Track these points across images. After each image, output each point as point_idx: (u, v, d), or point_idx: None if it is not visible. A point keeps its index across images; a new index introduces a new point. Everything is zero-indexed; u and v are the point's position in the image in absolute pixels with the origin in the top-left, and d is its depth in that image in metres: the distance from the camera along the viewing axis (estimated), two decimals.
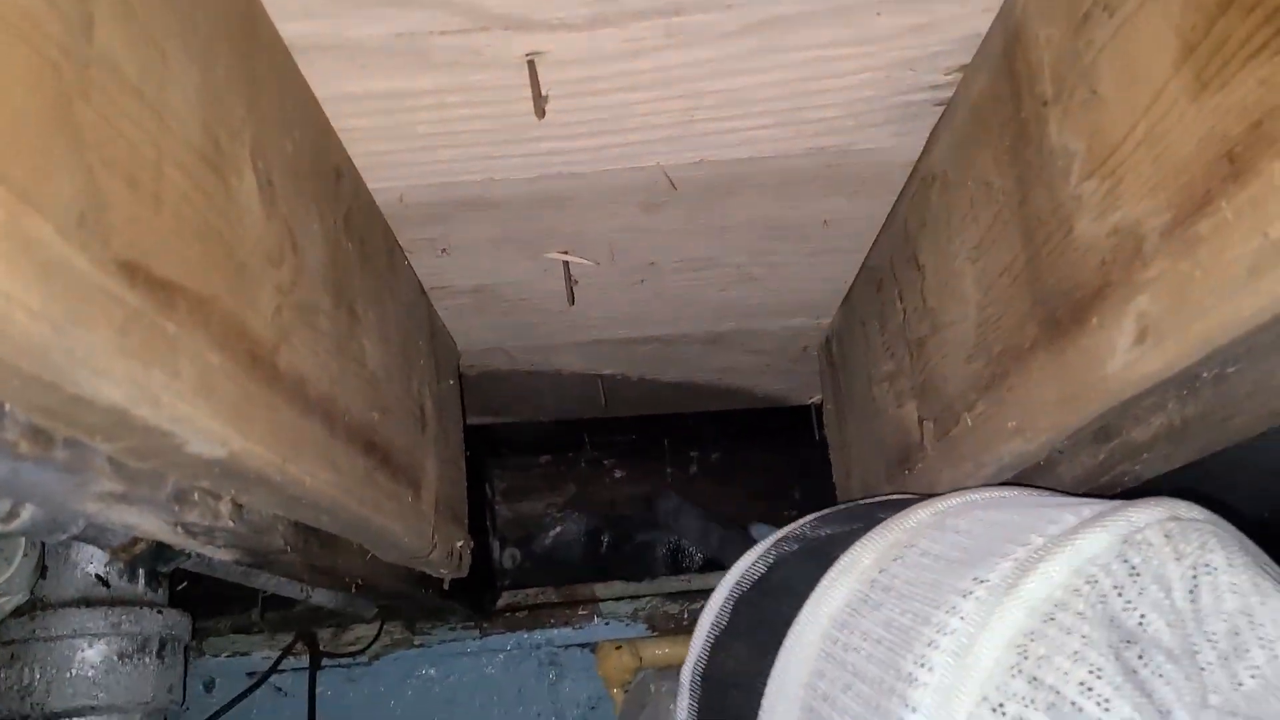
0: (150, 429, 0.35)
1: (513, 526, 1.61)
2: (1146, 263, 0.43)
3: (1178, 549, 0.38)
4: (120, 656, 0.96)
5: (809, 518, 0.60)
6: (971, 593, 0.39)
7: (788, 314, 1.01)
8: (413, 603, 1.03)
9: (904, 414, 0.80)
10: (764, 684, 0.47)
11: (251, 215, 0.44)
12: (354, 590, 0.75)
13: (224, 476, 0.43)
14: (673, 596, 1.34)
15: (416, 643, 1.35)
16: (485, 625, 1.34)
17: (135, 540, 0.60)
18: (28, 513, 0.47)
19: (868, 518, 0.53)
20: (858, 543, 0.49)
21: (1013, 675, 0.36)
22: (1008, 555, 0.40)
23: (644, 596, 1.34)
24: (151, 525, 0.50)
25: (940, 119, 0.66)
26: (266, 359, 0.44)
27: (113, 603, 0.97)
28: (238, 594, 1.31)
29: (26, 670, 0.93)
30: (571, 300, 0.85)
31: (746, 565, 0.57)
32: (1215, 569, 0.37)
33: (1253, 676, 0.34)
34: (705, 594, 1.32)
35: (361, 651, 1.33)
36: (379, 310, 0.67)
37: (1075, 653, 0.35)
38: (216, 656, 1.34)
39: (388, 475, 0.65)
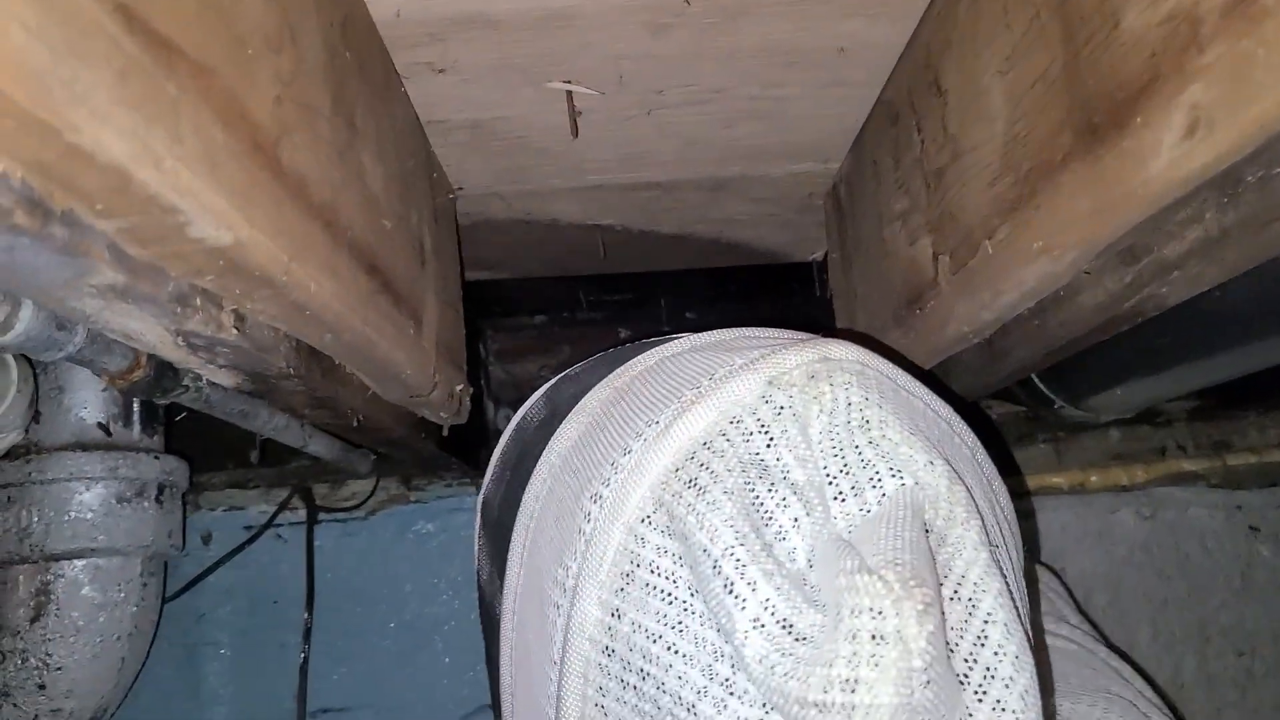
0: (153, 199, 0.32)
1: (507, 388, 1.60)
2: (1203, 47, 0.41)
3: (819, 389, 0.40)
4: (119, 500, 0.96)
5: (594, 358, 0.63)
6: (641, 434, 0.42)
7: (796, 156, 0.98)
8: (411, 452, 1.03)
9: (917, 251, 0.78)
10: (514, 514, 0.50)
11: None
12: (355, 424, 0.74)
13: (228, 272, 0.41)
14: None
15: (412, 498, 1.35)
16: (481, 481, 1.34)
17: (133, 365, 0.59)
18: (26, 313, 0.45)
19: (622, 358, 0.55)
20: (595, 386, 0.52)
21: (656, 509, 0.39)
22: (677, 397, 0.43)
23: None
24: (152, 334, 0.48)
25: None
26: (269, 149, 0.42)
27: (109, 447, 0.96)
28: (236, 442, 1.30)
29: (24, 512, 0.92)
30: (575, 132, 0.81)
31: (530, 404, 0.61)
32: (852, 405, 0.39)
33: (879, 503, 0.37)
34: None
35: (358, 506, 1.33)
36: (377, 129, 0.64)
37: (702, 487, 0.38)
38: (213, 510, 1.34)
39: (390, 301, 0.64)
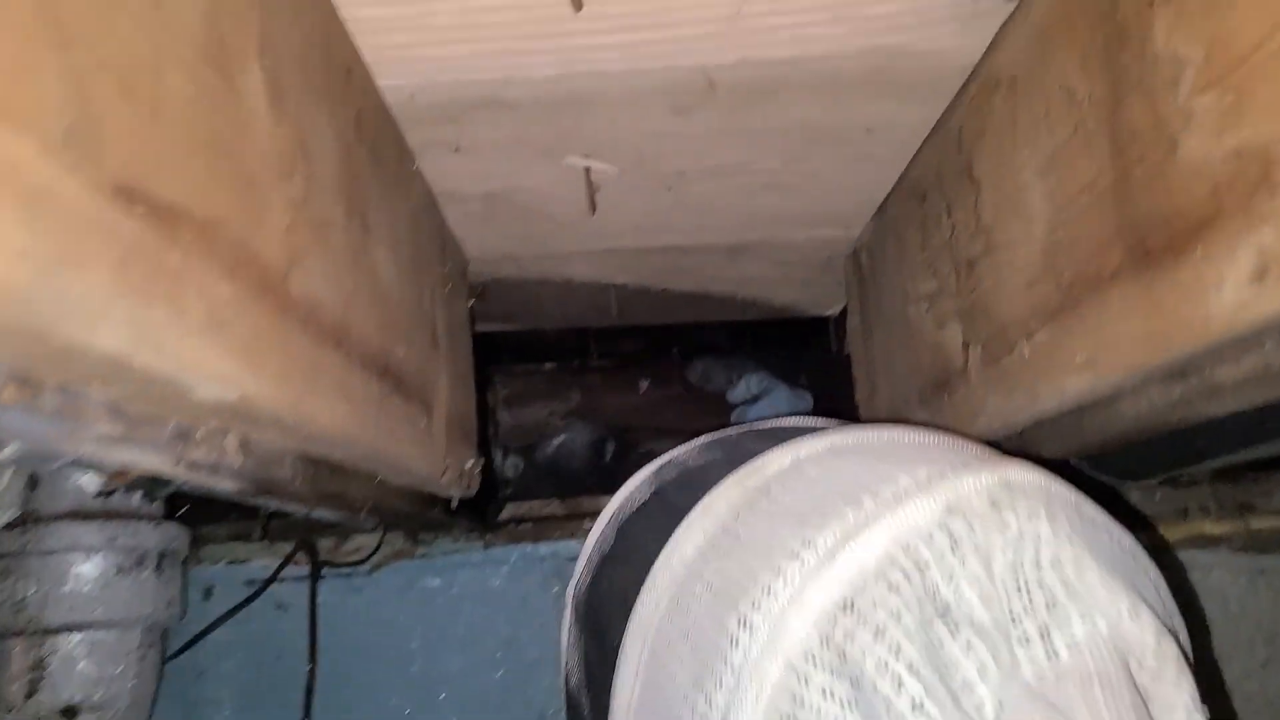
0: (153, 376, 0.30)
1: (515, 434, 1.58)
2: (1275, 190, 0.38)
3: (1003, 518, 0.37)
4: (118, 570, 0.93)
5: (694, 443, 0.59)
6: (798, 555, 0.38)
7: (816, 224, 0.96)
8: (418, 520, 1.00)
9: (945, 336, 0.76)
10: (624, 622, 0.47)
11: (259, 120, 0.38)
12: (362, 515, 0.71)
13: (233, 418, 0.39)
14: None
15: (419, 553, 1.32)
16: (489, 536, 1.32)
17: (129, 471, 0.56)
18: (12, 449, 0.43)
19: (740, 450, 0.52)
20: (720, 485, 0.48)
21: (822, 647, 0.35)
22: (838, 516, 0.39)
23: None
24: (152, 462, 0.45)
25: (1011, 17, 0.60)
26: (278, 285, 0.39)
27: (108, 516, 0.93)
28: (237, 501, 1.27)
29: (20, 584, 0.89)
30: (593, 209, 0.79)
31: (629, 491, 0.58)
32: (1040, 539, 0.36)
33: (1069, 648, 0.34)
34: None
35: (363, 561, 1.31)
36: (391, 219, 0.62)
37: (879, 628, 0.35)
38: (215, 564, 1.31)
39: (402, 399, 0.61)
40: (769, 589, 0.38)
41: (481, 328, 1.25)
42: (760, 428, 0.59)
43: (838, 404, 1.32)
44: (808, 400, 1.35)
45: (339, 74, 0.52)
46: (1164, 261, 0.46)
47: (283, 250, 0.40)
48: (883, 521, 0.37)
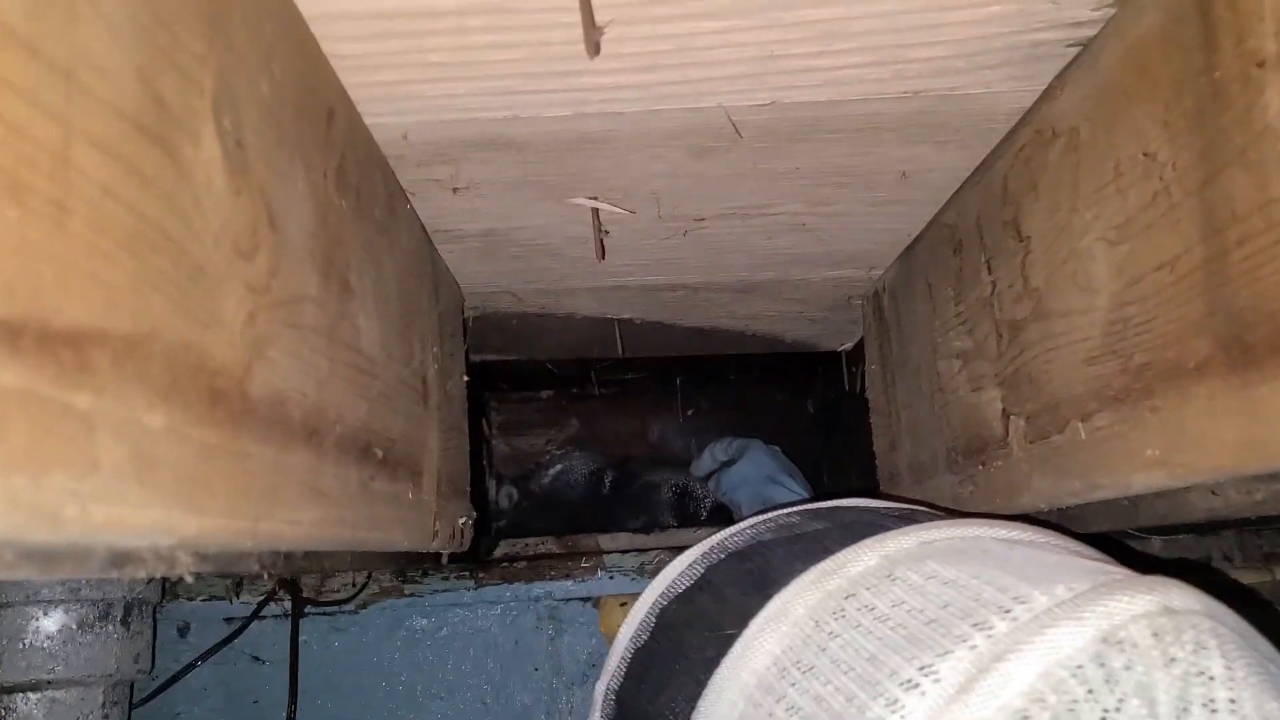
0: (55, 549, 0.24)
1: (510, 463, 1.51)
2: None
3: (1168, 652, 0.32)
4: (80, 625, 0.86)
5: (744, 524, 0.53)
6: (917, 685, 0.33)
7: (836, 265, 0.89)
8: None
9: (981, 401, 0.69)
10: None
11: (212, 195, 0.32)
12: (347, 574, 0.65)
13: (175, 552, 0.32)
14: (681, 550, 1.24)
15: (407, 591, 1.26)
16: (481, 575, 1.25)
17: None
18: None
19: (806, 539, 0.46)
20: (792, 584, 0.42)
21: None
22: (964, 640, 0.34)
23: (651, 550, 1.25)
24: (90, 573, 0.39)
25: (1072, 63, 0.54)
26: (233, 390, 0.33)
27: None
28: None
29: None
30: (601, 254, 0.73)
31: (672, 576, 0.52)
32: (1213, 679, 0.31)
33: None
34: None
35: (348, 600, 1.24)
36: (377, 274, 0.55)
37: None
38: (191, 600, 1.24)
39: (386, 477, 0.55)
40: None
41: (477, 358, 1.19)
42: (817, 508, 0.53)
43: (845, 441, 1.26)
44: (780, 456, 1.27)
45: (318, 119, 0.46)
46: (1269, 363, 0.39)
47: (241, 346, 0.33)
48: (1023, 650, 0.32)
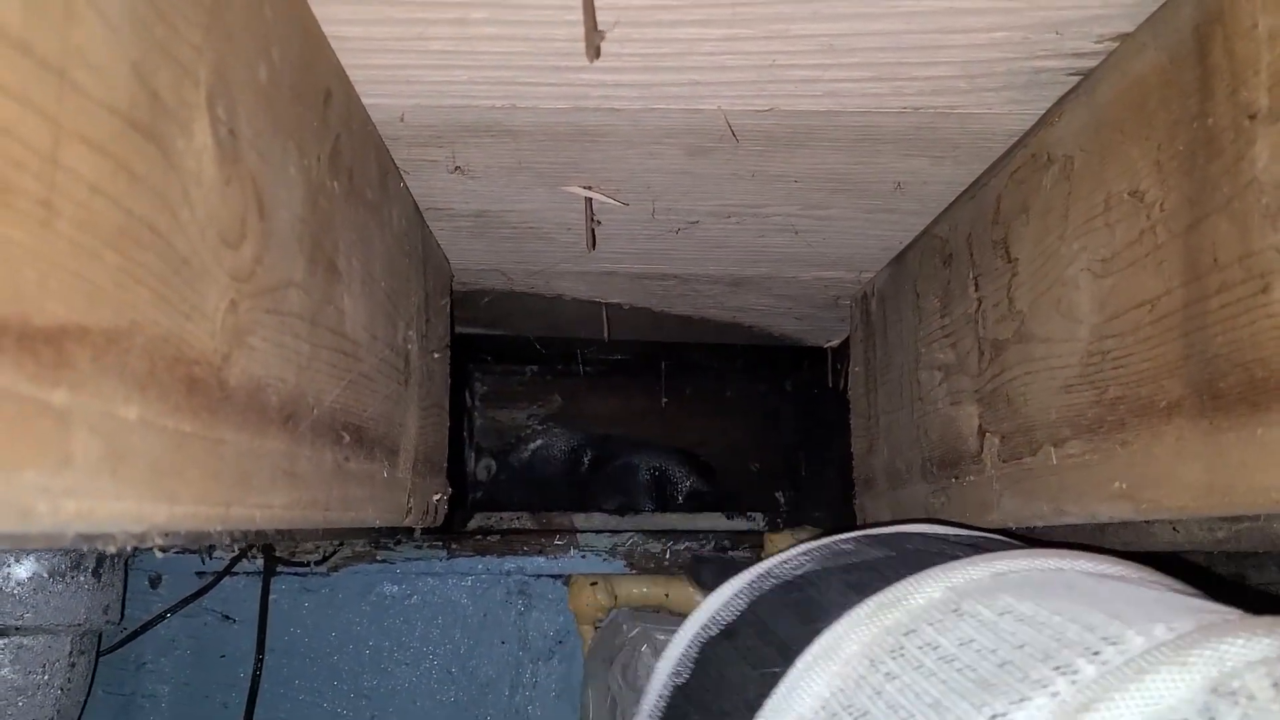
0: (26, 537, 0.24)
1: (490, 435, 1.52)
2: None
3: None
4: (51, 574, 0.87)
5: (795, 550, 0.49)
6: None
7: (826, 266, 0.90)
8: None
9: (959, 415, 0.70)
10: None
11: (202, 186, 0.32)
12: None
13: (146, 535, 0.32)
14: (656, 534, 1.25)
15: (379, 557, 1.26)
16: (454, 546, 1.25)
17: None
18: None
19: (863, 567, 0.42)
20: (845, 618, 0.39)
21: None
22: (1043, 686, 0.30)
23: (625, 532, 1.25)
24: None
25: (1072, 91, 0.54)
26: (211, 379, 0.33)
27: None
28: None
29: None
30: (592, 244, 0.73)
31: (715, 607, 0.47)
32: None
33: None
34: (691, 535, 1.22)
35: (321, 561, 1.24)
36: (365, 253, 0.56)
37: None
38: (164, 551, 1.24)
39: (362, 457, 0.55)
40: None
41: (464, 330, 1.19)
42: (877, 533, 0.49)
43: (825, 436, 1.26)
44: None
45: (315, 101, 0.46)
46: (1237, 411, 0.40)
47: (221, 335, 0.34)
48: (1115, 699, 0.28)
